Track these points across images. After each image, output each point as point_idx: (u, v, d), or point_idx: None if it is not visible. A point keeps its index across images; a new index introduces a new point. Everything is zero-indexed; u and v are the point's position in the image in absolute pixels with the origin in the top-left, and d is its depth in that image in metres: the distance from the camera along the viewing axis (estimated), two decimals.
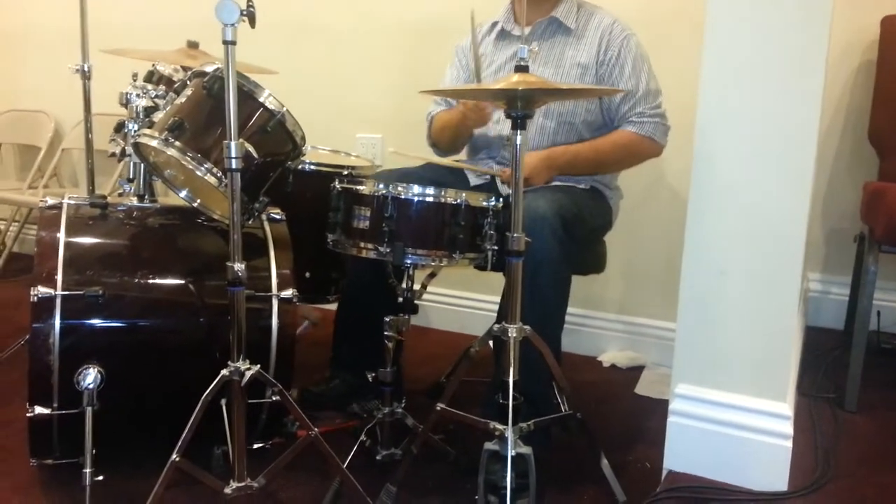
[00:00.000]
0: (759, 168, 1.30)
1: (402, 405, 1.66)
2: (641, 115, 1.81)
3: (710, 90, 1.34)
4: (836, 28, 2.21)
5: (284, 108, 1.55)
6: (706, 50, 1.33)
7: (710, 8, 1.32)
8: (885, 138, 2.15)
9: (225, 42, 1.22)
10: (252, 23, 1.23)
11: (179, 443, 1.31)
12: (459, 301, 2.69)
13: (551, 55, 1.88)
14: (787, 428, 1.29)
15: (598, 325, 2.49)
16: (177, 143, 1.46)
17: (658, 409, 1.89)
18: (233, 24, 1.21)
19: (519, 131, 1.33)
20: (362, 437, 1.65)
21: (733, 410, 1.33)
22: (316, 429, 1.42)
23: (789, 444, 1.28)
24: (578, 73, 1.84)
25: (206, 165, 1.45)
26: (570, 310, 1.70)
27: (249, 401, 1.40)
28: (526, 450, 1.35)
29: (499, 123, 1.89)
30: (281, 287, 1.60)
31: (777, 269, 1.29)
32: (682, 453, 1.39)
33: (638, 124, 1.81)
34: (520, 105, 1.31)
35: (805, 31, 1.25)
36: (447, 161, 1.93)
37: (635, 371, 2.34)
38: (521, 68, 1.30)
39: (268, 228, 1.68)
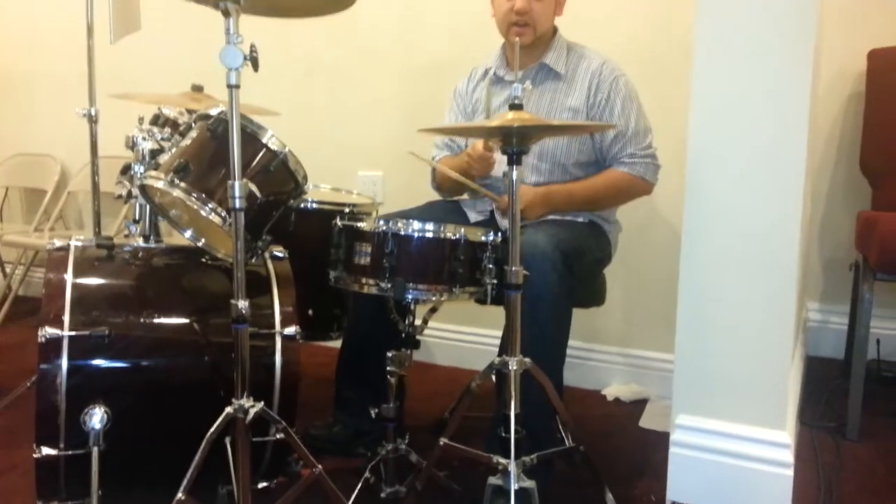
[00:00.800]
0: (749, 197, 1.33)
1: (406, 441, 1.67)
2: (633, 155, 1.86)
3: (699, 123, 1.38)
4: (825, 60, 2.27)
5: (287, 149, 1.59)
6: (694, 82, 1.37)
7: (697, 41, 1.37)
8: (877, 169, 2.19)
9: (229, 86, 1.26)
10: (255, 67, 1.27)
11: (185, 482, 1.32)
12: (463, 336, 2.70)
13: (542, 101, 1.93)
14: (788, 456, 1.30)
15: (601, 358, 2.49)
16: (182, 184, 1.49)
17: (662, 442, 1.88)
18: (236, 69, 1.25)
19: (515, 166, 1.36)
20: (366, 475, 1.65)
21: (733, 440, 1.34)
22: (319, 466, 1.42)
23: (790, 472, 1.29)
24: (570, 117, 1.89)
25: (210, 205, 1.49)
26: (572, 344, 1.72)
27: (253, 439, 1.41)
28: (529, 484, 1.36)
29: (498, 163, 1.93)
30: (284, 324, 1.61)
31: (771, 296, 1.31)
32: (684, 484, 1.40)
33: (630, 164, 1.86)
34: (515, 141, 1.35)
35: (790, 63, 1.30)
36: (452, 174, 1.94)
37: (639, 404, 2.34)
38: (516, 107, 1.35)
39: (271, 266, 1.70)
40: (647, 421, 2.20)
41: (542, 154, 1.90)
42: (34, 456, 1.43)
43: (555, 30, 1.97)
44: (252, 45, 1.27)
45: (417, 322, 1.66)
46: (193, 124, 1.61)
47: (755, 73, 1.32)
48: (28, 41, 3.60)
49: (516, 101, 1.36)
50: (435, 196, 2.14)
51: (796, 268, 1.30)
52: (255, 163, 1.56)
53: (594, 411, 2.30)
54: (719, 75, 1.35)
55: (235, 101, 1.27)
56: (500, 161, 1.90)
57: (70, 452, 1.43)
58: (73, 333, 1.45)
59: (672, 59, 2.18)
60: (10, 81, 3.70)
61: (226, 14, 1.25)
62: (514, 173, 1.38)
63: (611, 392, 2.43)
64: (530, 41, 1.87)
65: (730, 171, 1.35)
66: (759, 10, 1.31)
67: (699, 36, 1.37)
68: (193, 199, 1.49)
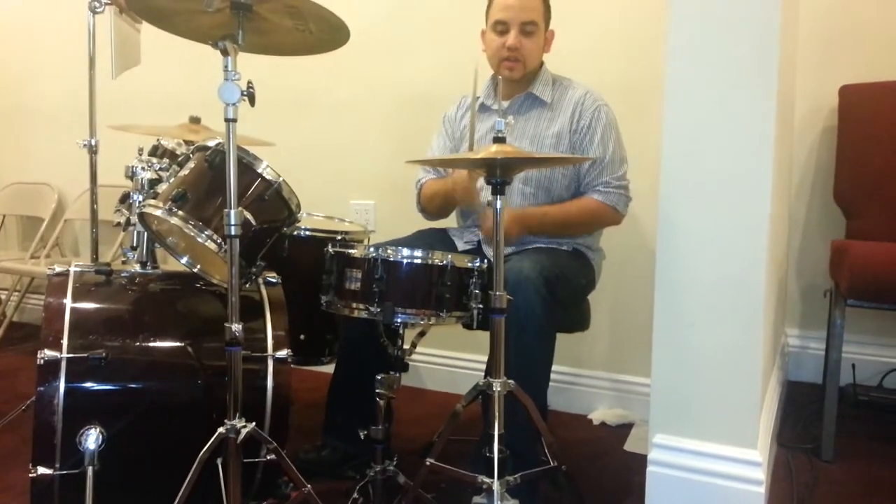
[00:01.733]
0: (719, 226, 1.40)
1: (394, 463, 1.70)
2: (607, 184, 1.93)
3: (670, 156, 1.45)
4: (799, 95, 2.36)
5: (281, 178, 1.66)
6: (666, 118, 1.45)
7: (668, 79, 1.45)
8: (849, 199, 2.27)
9: (226, 120, 1.33)
10: (252, 102, 1.34)
11: (176, 502, 1.35)
12: (452, 361, 2.74)
13: (527, 127, 2.01)
14: (759, 474, 1.35)
15: (587, 383, 2.53)
16: (179, 213, 1.55)
17: (646, 465, 1.93)
18: (234, 104, 1.32)
19: (498, 196, 1.43)
20: (354, 495, 1.67)
21: (707, 458, 1.38)
22: (309, 486, 1.46)
23: (762, 489, 1.33)
24: (553, 143, 1.96)
25: (206, 232, 1.54)
26: (559, 368, 1.76)
27: (245, 460, 1.44)
28: (513, 503, 1.40)
29: (483, 190, 2.00)
30: (276, 348, 1.66)
31: (742, 321, 1.37)
32: (662, 502, 1.44)
33: (604, 193, 1.93)
34: (498, 172, 1.42)
35: (755, 100, 1.37)
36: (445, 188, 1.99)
37: (625, 428, 2.37)
38: (499, 139, 1.42)
39: (264, 291, 1.75)
40: (632, 444, 2.24)
41: (527, 179, 1.98)
42: (30, 475, 1.46)
43: (541, 64, 2.06)
44: (249, 82, 1.34)
45: (406, 346, 1.71)
46: (191, 155, 1.67)
47: (722, 109, 1.40)
48: (27, 73, 3.68)
49: (500, 135, 1.43)
50: (423, 224, 2.20)
51: (764, 294, 1.36)
52: (250, 192, 1.62)
53: (580, 435, 2.33)
54: (689, 112, 1.43)
55: (232, 134, 1.33)
56: (486, 189, 1.97)
57: (65, 472, 1.47)
58: (70, 356, 1.50)
59: (649, 94, 2.26)
60: (10, 112, 3.78)
61: (224, 53, 1.32)
62: (499, 202, 1.44)
63: (597, 416, 2.46)
64: (520, 76, 1.96)
65: (700, 201, 1.42)
66: (726, 51, 1.40)
67: (670, 74, 1.45)
68: (190, 226, 1.54)
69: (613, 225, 2.00)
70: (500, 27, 1.95)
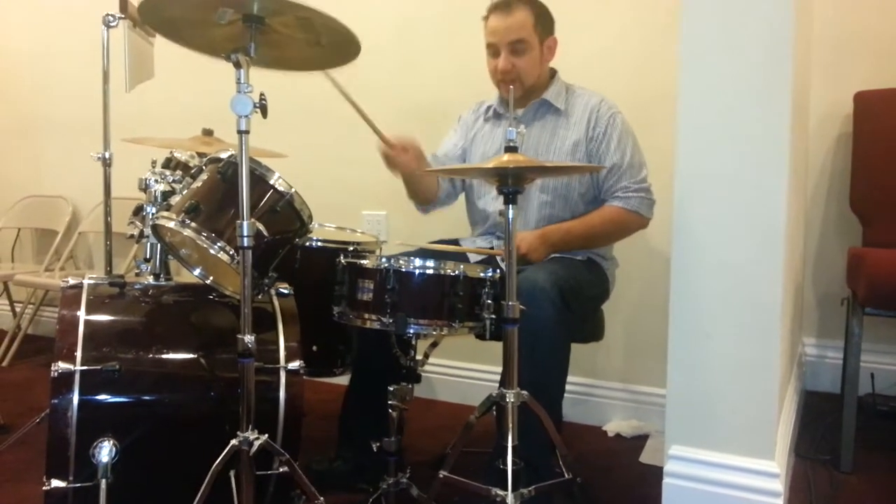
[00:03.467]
0: (734, 236, 1.39)
1: (407, 476, 1.69)
2: (627, 189, 1.91)
3: (684, 164, 1.44)
4: (813, 102, 2.35)
5: (293, 190, 1.66)
6: (680, 126, 1.44)
7: (682, 86, 1.44)
8: (865, 206, 2.25)
9: (239, 132, 1.33)
10: (264, 114, 1.34)
11: None
12: (465, 373, 2.73)
13: (543, 134, 2.00)
14: (777, 485, 1.33)
15: (602, 394, 2.51)
16: (192, 224, 1.56)
17: (661, 477, 1.91)
18: (246, 116, 1.32)
19: (511, 206, 1.42)
20: None
21: (724, 470, 1.37)
22: (321, 498, 1.45)
23: (780, 501, 1.31)
24: (570, 150, 1.96)
25: (219, 244, 1.55)
26: (574, 380, 1.75)
27: (257, 472, 1.44)
28: None
29: (497, 200, 2.00)
30: (288, 359, 1.66)
31: (758, 331, 1.35)
32: None
33: (624, 199, 1.92)
34: (510, 182, 1.42)
35: (769, 107, 1.36)
36: (446, 248, 2.00)
37: (640, 440, 2.35)
38: (511, 149, 1.41)
39: (276, 303, 1.75)
40: (647, 456, 2.22)
41: (544, 187, 1.97)
42: (44, 488, 1.46)
43: (553, 72, 2.05)
44: (262, 94, 1.34)
45: (419, 357, 1.70)
46: (204, 167, 1.68)
47: (736, 119, 1.39)
48: (42, 87, 3.73)
49: (511, 144, 1.42)
50: (436, 235, 2.19)
51: (780, 303, 1.35)
52: (262, 203, 1.62)
53: (595, 447, 2.31)
54: (702, 121, 1.42)
55: (245, 146, 1.34)
56: (499, 200, 1.96)
57: (79, 485, 1.47)
58: (84, 368, 1.50)
59: (659, 104, 2.24)
60: (24, 126, 3.82)
61: (237, 65, 1.32)
62: (511, 212, 1.44)
63: (612, 428, 2.44)
64: (520, 94, 1.95)
65: (714, 210, 1.41)
66: (739, 59, 1.39)
67: (682, 85, 1.45)
68: (203, 238, 1.55)
69: (640, 229, 1.98)
70: (492, 50, 1.97)
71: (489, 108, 2.14)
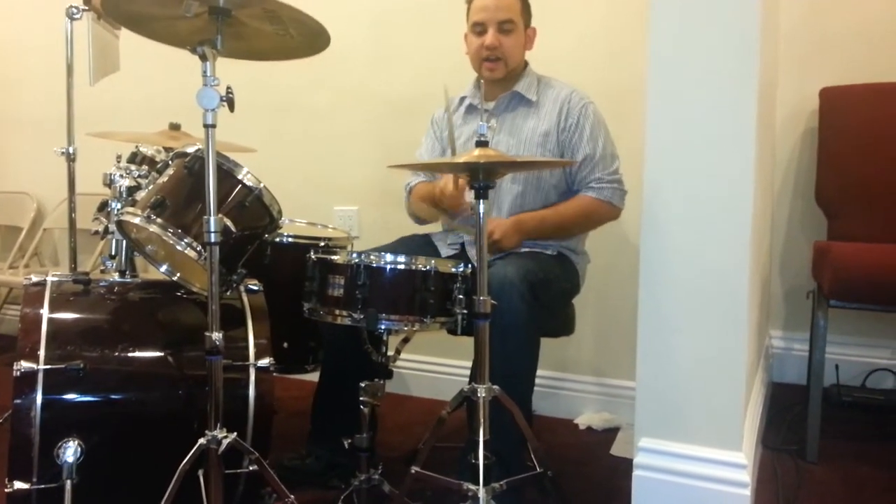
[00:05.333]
0: (701, 230, 1.41)
1: (380, 472, 1.69)
2: (600, 180, 1.92)
3: (653, 159, 1.45)
4: (780, 98, 2.38)
5: (262, 185, 1.64)
6: (648, 122, 1.45)
7: (651, 84, 1.45)
8: (831, 201, 2.29)
9: (205, 126, 1.31)
10: (231, 108, 1.32)
11: None
12: (437, 368, 2.73)
13: (514, 126, 2.00)
14: (744, 476, 1.35)
15: (572, 387, 2.53)
16: (158, 220, 1.53)
17: (632, 469, 1.93)
18: (213, 110, 1.30)
19: (482, 200, 1.42)
20: None
21: (693, 461, 1.39)
22: (292, 496, 1.44)
23: (747, 492, 1.34)
24: (540, 141, 1.96)
25: (185, 240, 1.52)
26: (544, 373, 1.76)
27: (226, 471, 1.42)
28: None
29: (470, 192, 1.99)
30: (258, 356, 1.63)
31: (725, 323, 1.37)
32: None
33: (597, 189, 1.92)
34: (482, 176, 1.41)
35: (736, 106, 1.38)
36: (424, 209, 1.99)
37: (611, 432, 2.37)
38: (482, 143, 1.41)
39: (245, 299, 1.73)
40: (618, 449, 2.23)
41: (515, 177, 1.97)
42: (6, 490, 1.43)
43: (525, 63, 2.06)
44: (228, 87, 1.32)
45: (390, 353, 1.70)
46: (170, 162, 1.66)
47: (704, 113, 1.41)
48: (4, 81, 3.63)
49: (482, 139, 1.42)
50: (407, 230, 2.19)
51: (748, 297, 1.37)
52: (230, 198, 1.60)
53: (566, 440, 2.33)
54: (671, 116, 1.44)
55: (212, 140, 1.32)
56: (470, 193, 1.96)
57: (43, 486, 1.44)
58: (47, 367, 1.47)
59: (630, 98, 2.26)
60: None
61: (203, 58, 1.30)
62: (482, 206, 1.44)
63: (583, 421, 2.46)
64: (502, 75, 1.96)
65: (682, 206, 1.43)
66: (706, 55, 1.41)
67: (652, 79, 1.46)
68: (170, 234, 1.52)
69: (611, 220, 1.99)
70: (479, 28, 1.96)
71: (462, 99, 2.13)
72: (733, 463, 1.36)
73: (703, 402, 1.41)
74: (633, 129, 2.07)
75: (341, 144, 2.86)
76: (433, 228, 2.19)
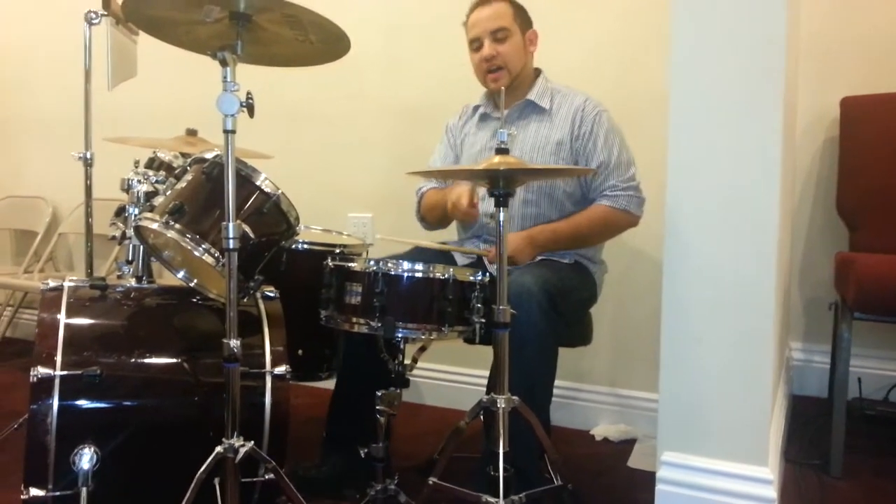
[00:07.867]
0: (726, 242, 1.38)
1: (395, 481, 1.67)
2: (615, 188, 1.90)
3: (676, 170, 1.43)
4: (801, 106, 2.35)
5: (280, 191, 1.63)
6: (671, 133, 1.43)
7: (674, 95, 1.44)
8: (852, 211, 2.26)
9: (225, 131, 1.30)
10: (251, 114, 1.32)
11: None
12: (452, 377, 2.71)
13: (527, 135, 1.99)
14: (770, 492, 1.32)
15: (589, 398, 2.50)
16: (176, 226, 1.52)
17: (650, 482, 1.88)
18: (233, 115, 1.29)
19: (502, 209, 1.41)
20: None
21: (717, 476, 1.36)
22: None
23: None
24: (554, 150, 1.94)
25: (203, 246, 1.51)
26: (561, 383, 1.74)
27: (242, 479, 1.41)
28: None
29: (483, 201, 1.98)
30: (274, 364, 1.62)
31: (750, 337, 1.35)
32: None
33: (612, 198, 1.90)
34: (501, 184, 1.40)
35: (761, 115, 1.36)
36: (434, 245, 1.99)
37: (627, 444, 2.34)
38: (502, 150, 1.39)
39: (262, 306, 1.72)
40: (635, 461, 2.21)
41: (528, 186, 1.95)
42: (21, 497, 1.42)
43: (538, 71, 2.04)
44: (248, 93, 1.31)
45: (407, 361, 1.68)
46: (188, 168, 1.65)
47: (728, 122, 1.39)
48: (22, 85, 3.66)
49: (502, 146, 1.41)
50: (423, 237, 2.18)
51: (773, 309, 1.34)
52: (248, 205, 1.59)
53: (583, 451, 2.30)
54: (695, 127, 1.42)
55: (231, 145, 1.31)
56: (486, 200, 1.94)
57: (59, 493, 1.43)
58: (64, 373, 1.46)
59: (645, 107, 2.23)
60: (4, 125, 3.75)
61: (223, 63, 1.30)
62: (502, 215, 1.42)
63: (599, 432, 2.43)
64: (507, 83, 1.94)
65: (706, 216, 1.40)
66: (731, 67, 1.38)
67: (674, 91, 1.44)
68: (187, 240, 1.52)
69: (630, 227, 1.96)
70: (476, 44, 1.98)
71: (476, 108, 2.12)
72: (759, 478, 1.33)
73: (728, 415, 1.38)
74: (649, 138, 2.05)
75: (356, 151, 2.86)
76: (450, 235, 2.18)
